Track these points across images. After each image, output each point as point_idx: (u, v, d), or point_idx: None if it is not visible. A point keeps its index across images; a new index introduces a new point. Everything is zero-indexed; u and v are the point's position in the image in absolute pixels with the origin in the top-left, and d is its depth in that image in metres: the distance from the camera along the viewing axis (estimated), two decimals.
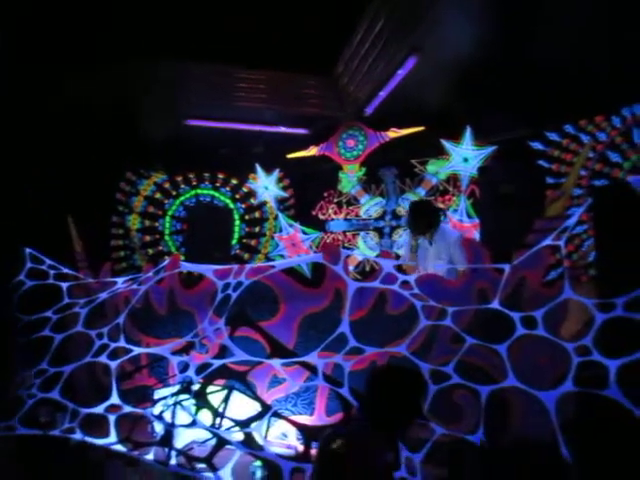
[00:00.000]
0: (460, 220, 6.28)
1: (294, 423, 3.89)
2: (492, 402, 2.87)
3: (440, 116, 6.26)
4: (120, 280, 4.77)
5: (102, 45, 5.88)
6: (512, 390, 2.89)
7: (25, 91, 6.10)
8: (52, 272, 4.81)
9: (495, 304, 3.14)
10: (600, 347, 2.59)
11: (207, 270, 4.42)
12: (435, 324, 3.34)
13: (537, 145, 6.11)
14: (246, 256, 7.65)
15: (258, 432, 3.61)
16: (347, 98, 6.66)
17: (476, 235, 5.99)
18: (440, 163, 6.70)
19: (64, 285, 4.69)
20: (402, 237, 6.89)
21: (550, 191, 5.52)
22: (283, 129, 7.06)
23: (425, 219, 4.49)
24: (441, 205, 6.74)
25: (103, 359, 4.07)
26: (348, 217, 7.34)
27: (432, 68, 5.75)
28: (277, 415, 3.91)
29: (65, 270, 4.87)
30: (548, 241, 3.16)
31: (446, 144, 6.26)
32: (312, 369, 3.82)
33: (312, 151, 7.23)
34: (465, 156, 6.19)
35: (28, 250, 4.83)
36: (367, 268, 6.98)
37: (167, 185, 7.92)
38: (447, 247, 4.46)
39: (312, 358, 3.60)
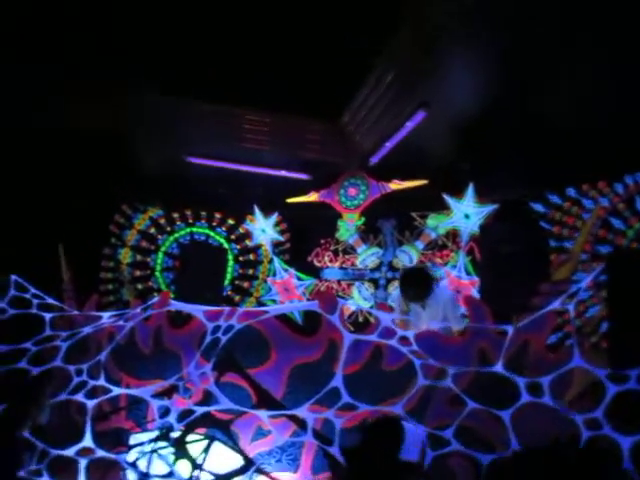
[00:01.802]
0: (458, 276, 6.18)
1: None
2: (492, 473, 2.68)
3: (443, 171, 6.27)
4: (106, 315, 4.59)
5: (107, 78, 5.88)
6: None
7: (23, 119, 6.07)
8: (36, 301, 4.62)
9: (498, 367, 2.99)
10: (612, 421, 2.44)
11: (197, 310, 4.26)
12: (434, 384, 3.18)
13: (538, 207, 6.10)
14: (237, 298, 7.48)
15: None
16: (351, 147, 6.66)
17: (474, 293, 5.88)
18: (440, 218, 6.67)
19: (47, 316, 4.49)
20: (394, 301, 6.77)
21: (554, 254, 5.46)
22: (284, 173, 7.03)
23: (423, 288, 4.37)
24: (438, 260, 6.67)
25: (80, 397, 3.85)
26: (344, 266, 7.23)
27: (438, 123, 5.79)
28: (259, 471, 3.67)
29: (49, 300, 4.69)
30: (556, 304, 3.05)
31: (448, 199, 6.23)
32: (300, 423, 3.62)
33: (312, 197, 7.19)
34: (466, 212, 6.15)
35: (13, 277, 4.66)
36: (360, 319, 6.82)
37: (162, 221, 7.81)
38: (441, 307, 4.35)
39: (302, 412, 3.42)
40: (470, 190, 6.10)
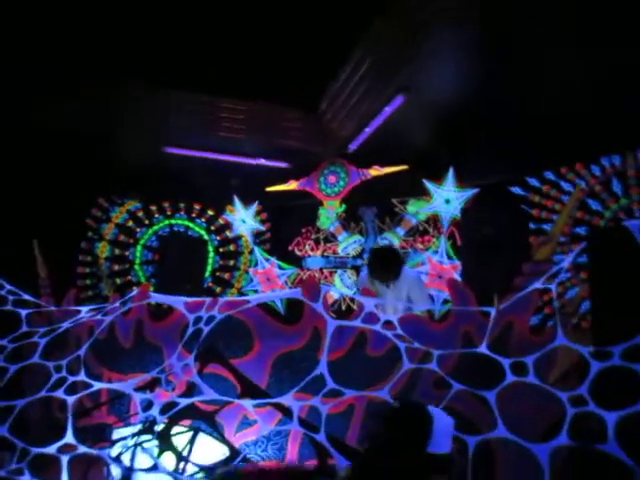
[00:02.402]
0: (440, 262, 6.20)
1: (263, 470, 3.62)
2: (480, 453, 2.69)
3: (423, 156, 6.27)
4: (84, 309, 4.49)
5: (81, 71, 5.76)
6: (502, 441, 2.72)
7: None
8: (11, 297, 4.52)
9: (483, 348, 2.99)
10: (597, 398, 2.45)
11: (178, 302, 4.19)
12: (419, 367, 3.17)
13: (518, 190, 6.14)
14: (219, 289, 7.41)
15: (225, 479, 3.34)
16: (330, 134, 6.63)
17: (456, 277, 5.90)
18: (420, 203, 6.67)
19: (23, 312, 4.38)
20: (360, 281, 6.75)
21: (533, 236, 5.49)
22: (263, 161, 6.96)
23: (392, 268, 4.36)
24: (420, 246, 6.68)
25: (60, 394, 3.76)
26: (325, 254, 7.21)
27: (417, 108, 5.78)
28: (246, 461, 3.64)
29: (26, 296, 4.58)
30: (538, 284, 3.06)
31: (428, 185, 6.23)
32: (285, 411, 3.59)
33: (292, 185, 7.14)
34: (447, 197, 6.16)
35: None
36: (343, 307, 6.81)
37: (140, 214, 7.70)
38: (405, 287, 4.36)
39: (287, 400, 3.38)
40: (450, 175, 6.11)
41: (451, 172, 6.12)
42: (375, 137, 6.21)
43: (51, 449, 3.58)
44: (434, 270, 6.12)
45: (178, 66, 5.94)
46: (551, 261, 3.58)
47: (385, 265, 4.38)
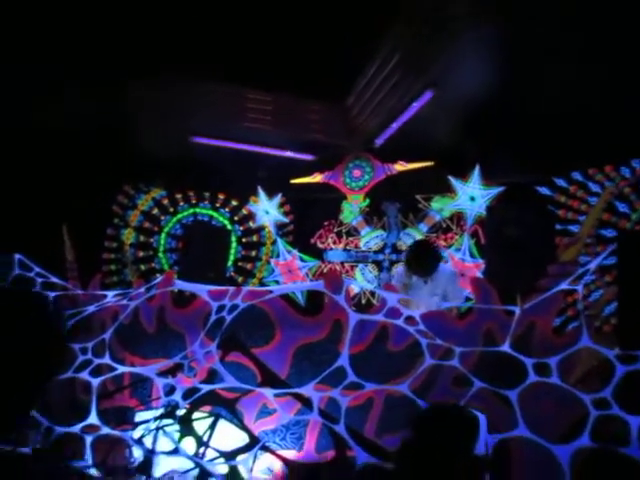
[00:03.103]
0: (462, 259, 6.17)
1: (282, 458, 3.66)
2: (499, 452, 2.69)
3: (449, 153, 6.23)
4: (110, 294, 4.58)
5: (113, 60, 5.83)
6: (522, 441, 2.71)
7: (27, 101, 6.02)
8: (39, 280, 4.62)
9: (505, 347, 2.98)
10: (620, 401, 2.43)
11: (202, 290, 4.24)
12: (440, 363, 3.18)
13: (544, 190, 6.07)
14: (240, 279, 7.47)
15: (244, 466, 3.39)
16: (356, 128, 6.61)
17: (478, 275, 5.87)
18: (445, 200, 6.64)
19: (51, 294, 4.48)
20: (396, 274, 6.76)
21: (559, 237, 5.44)
22: (289, 154, 6.98)
23: (431, 262, 4.38)
24: (442, 243, 6.65)
25: (85, 375, 3.85)
26: (347, 248, 7.21)
27: (444, 104, 5.74)
28: (264, 449, 3.68)
29: (53, 279, 4.68)
30: (564, 285, 3.03)
31: (454, 181, 6.19)
32: (304, 401, 3.62)
33: (317, 178, 7.16)
34: (472, 195, 6.11)
35: (17, 256, 4.64)
36: (363, 301, 6.83)
37: (165, 202, 7.79)
38: (441, 283, 4.36)
39: (307, 390, 3.41)
40: (476, 172, 6.06)
41: (477, 170, 6.07)
42: (401, 132, 6.19)
43: (75, 429, 3.67)
44: (456, 268, 6.10)
45: (206, 56, 5.97)
46: (577, 262, 3.55)
47: (425, 259, 4.41)
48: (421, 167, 6.63)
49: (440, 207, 6.68)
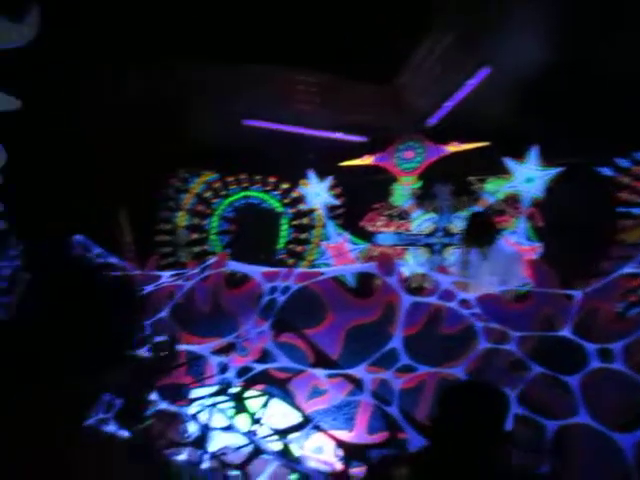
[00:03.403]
0: (518, 242, 5.98)
1: (334, 438, 3.68)
2: (559, 439, 2.61)
3: (504, 133, 6.03)
4: (165, 274, 4.70)
5: (164, 45, 5.90)
6: (583, 428, 2.62)
7: (87, 86, 6.18)
8: (99, 260, 4.78)
9: (566, 332, 2.88)
10: None
11: (254, 271, 4.31)
12: (495, 347, 3.10)
13: (606, 171, 5.80)
14: (291, 262, 7.52)
15: (296, 443, 3.43)
16: (408, 108, 6.48)
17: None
18: (499, 182, 6.44)
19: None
20: (454, 256, 6.64)
21: (621, 219, 5.20)
22: (339, 135, 6.93)
23: (488, 231, 4.28)
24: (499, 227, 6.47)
25: (144, 352, 3.98)
26: (398, 231, 7.13)
27: (500, 83, 5.55)
28: (316, 428, 3.71)
29: (112, 259, 4.84)
30: (628, 269, 2.90)
31: (509, 162, 5.99)
32: (356, 383, 3.62)
33: (367, 160, 7.08)
34: (528, 176, 5.91)
35: (77, 236, 4.83)
36: (414, 285, 6.74)
37: (217, 185, 7.90)
38: (501, 263, 4.24)
39: (360, 371, 3.41)
40: (533, 153, 5.84)
41: (534, 150, 5.84)
42: (454, 112, 6.02)
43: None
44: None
45: (255, 38, 5.96)
46: None
47: (481, 228, 4.33)
48: (475, 148, 6.44)
49: (494, 189, 6.49)
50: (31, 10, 5.33)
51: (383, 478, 1.79)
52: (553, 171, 5.81)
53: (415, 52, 5.86)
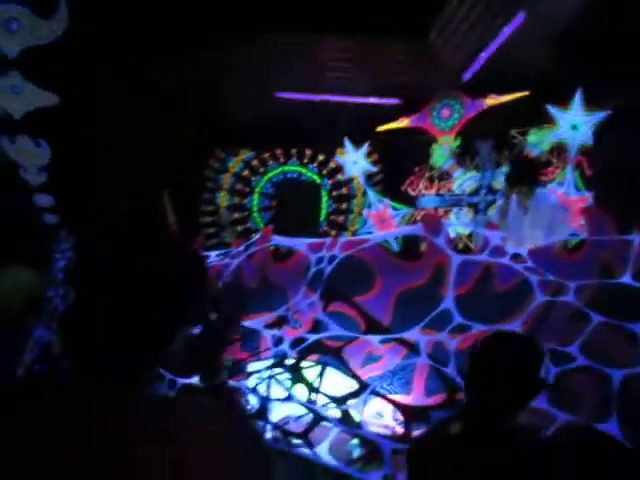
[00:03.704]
0: (566, 193, 5.76)
1: (393, 402, 3.70)
2: (626, 389, 2.53)
3: (546, 80, 5.76)
4: (212, 254, 4.77)
5: (191, 26, 5.87)
6: None
7: (117, 69, 6.23)
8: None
9: (627, 279, 2.77)
10: None
11: (300, 243, 4.32)
12: (553, 300, 3.02)
13: None
14: (334, 233, 7.49)
15: (355, 410, 3.46)
16: (442, 64, 6.28)
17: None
18: (543, 133, 6.18)
19: None
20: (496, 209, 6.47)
21: None
22: (373, 100, 6.79)
23: (530, 173, 4.15)
24: (543, 178, 6.24)
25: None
26: (440, 192, 6.99)
27: (537, 27, 5.29)
28: (374, 393, 3.73)
29: None
30: None
31: (552, 110, 5.72)
32: (410, 346, 3.61)
33: (403, 122, 6.92)
34: (574, 123, 5.63)
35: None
36: (460, 246, 6.63)
37: (255, 162, 7.90)
38: (544, 213, 4.09)
39: (413, 334, 3.39)
40: (577, 97, 5.55)
41: (578, 94, 5.56)
42: (491, 63, 5.77)
43: (195, 380, 3.91)
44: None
45: (279, 7, 5.85)
46: None
47: (522, 170, 4.22)
48: (515, 98, 6.18)
49: (538, 140, 6.23)
50: (60, 6, 5.39)
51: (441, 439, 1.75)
52: (599, 115, 5.53)
53: (446, 5, 5.66)
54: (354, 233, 7.41)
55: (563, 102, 5.74)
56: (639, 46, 5.01)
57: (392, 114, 6.93)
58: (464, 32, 5.64)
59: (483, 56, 5.52)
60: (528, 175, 4.14)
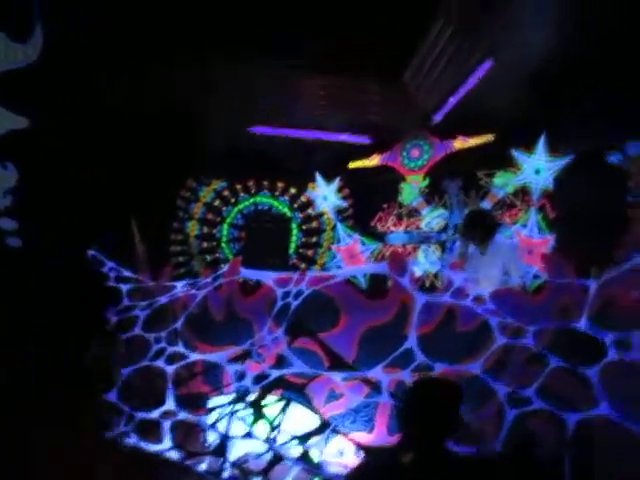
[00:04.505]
0: (529, 236, 5.92)
1: (354, 441, 3.67)
2: (580, 433, 2.58)
3: (511, 125, 5.98)
4: (179, 284, 4.72)
5: (168, 55, 5.92)
6: (605, 421, 2.59)
7: (90, 97, 6.21)
8: (113, 274, 4.82)
9: (582, 323, 2.85)
10: None
11: (267, 277, 4.32)
12: (512, 342, 3.08)
13: (615, 159, 5.73)
14: (303, 266, 7.51)
15: (316, 449, 3.42)
16: (413, 106, 6.46)
17: (549, 251, 5.64)
18: (508, 175, 6.38)
19: (124, 287, 4.67)
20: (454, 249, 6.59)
21: (632, 208, 5.14)
22: (345, 137, 6.92)
23: (485, 228, 4.29)
24: (507, 220, 6.42)
25: (160, 363, 4.00)
26: (408, 229, 7.11)
27: (505, 74, 5.51)
28: (335, 432, 3.71)
29: (126, 273, 4.87)
30: None
31: (517, 155, 5.93)
32: (373, 385, 3.61)
33: (374, 160, 7.06)
34: (537, 167, 5.84)
35: (90, 252, 4.86)
36: (427, 284, 6.72)
37: (226, 192, 7.92)
38: (501, 256, 4.23)
39: (376, 373, 3.40)
40: (541, 143, 5.78)
41: (542, 140, 5.78)
42: (460, 106, 5.98)
43: (154, 414, 3.83)
44: (523, 245, 5.87)
45: (258, 43, 5.94)
46: None
47: (480, 223, 4.34)
48: (482, 142, 6.39)
49: (503, 182, 6.43)
50: (34, 30, 5.40)
51: (391, 466, 1.94)
52: (562, 161, 5.75)
53: (418, 48, 5.84)
54: (323, 267, 7.45)
55: (528, 146, 5.96)
56: (602, 94, 5.28)
57: (364, 151, 7.06)
58: (436, 76, 5.83)
59: (452, 101, 5.71)
60: (481, 229, 4.29)
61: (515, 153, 5.94)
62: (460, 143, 6.56)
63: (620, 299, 3.06)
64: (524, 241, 5.99)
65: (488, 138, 6.35)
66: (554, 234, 5.69)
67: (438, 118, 6.33)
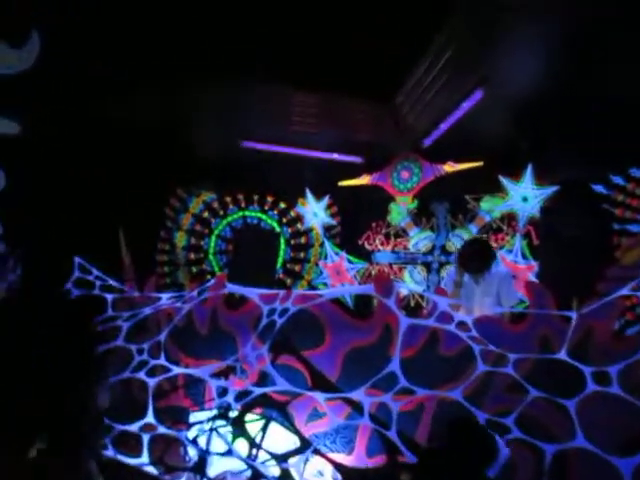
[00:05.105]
0: (514, 261, 6.02)
1: (333, 462, 3.68)
2: (557, 463, 2.61)
3: (500, 152, 6.09)
4: (164, 296, 4.71)
5: (163, 66, 5.95)
6: (581, 452, 2.63)
7: (81, 106, 6.22)
8: (98, 283, 4.79)
9: (562, 355, 2.90)
10: None
11: (253, 293, 4.31)
12: (493, 370, 3.12)
13: (600, 188, 5.85)
14: (289, 281, 7.54)
15: (295, 468, 3.42)
16: (405, 128, 6.55)
17: (531, 278, 5.72)
18: (495, 201, 6.49)
19: (109, 297, 4.65)
20: (448, 275, 6.66)
21: (616, 237, 5.24)
22: (336, 156, 6.99)
23: (485, 260, 4.30)
24: (493, 244, 6.51)
25: (141, 375, 3.97)
26: (395, 249, 7.17)
27: (495, 103, 5.62)
28: (315, 452, 3.71)
29: (111, 282, 4.85)
30: (625, 291, 2.92)
31: (505, 182, 6.04)
32: (354, 406, 3.62)
33: (364, 180, 7.14)
34: (524, 195, 5.95)
35: (77, 259, 4.84)
36: (412, 303, 6.77)
37: (215, 205, 7.94)
38: (494, 284, 4.27)
39: (358, 395, 3.42)
40: (529, 171, 5.89)
41: (529, 169, 5.90)
42: (451, 132, 6.08)
43: (133, 427, 3.79)
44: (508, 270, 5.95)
45: (252, 59, 5.99)
46: (638, 266, 3.42)
47: (479, 257, 4.34)
48: (471, 167, 6.50)
49: (490, 207, 6.54)
50: (31, 36, 5.40)
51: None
52: (549, 190, 5.86)
53: (412, 72, 5.93)
54: (309, 282, 7.48)
55: (516, 174, 6.07)
56: (589, 124, 5.40)
57: (354, 171, 7.14)
58: (427, 100, 5.92)
59: (443, 127, 5.80)
60: (479, 260, 4.30)
61: (503, 180, 6.06)
62: (449, 168, 6.67)
63: (600, 331, 3.12)
64: (509, 266, 6.08)
65: (477, 164, 6.45)
66: (538, 261, 5.77)
67: (428, 142, 6.43)
